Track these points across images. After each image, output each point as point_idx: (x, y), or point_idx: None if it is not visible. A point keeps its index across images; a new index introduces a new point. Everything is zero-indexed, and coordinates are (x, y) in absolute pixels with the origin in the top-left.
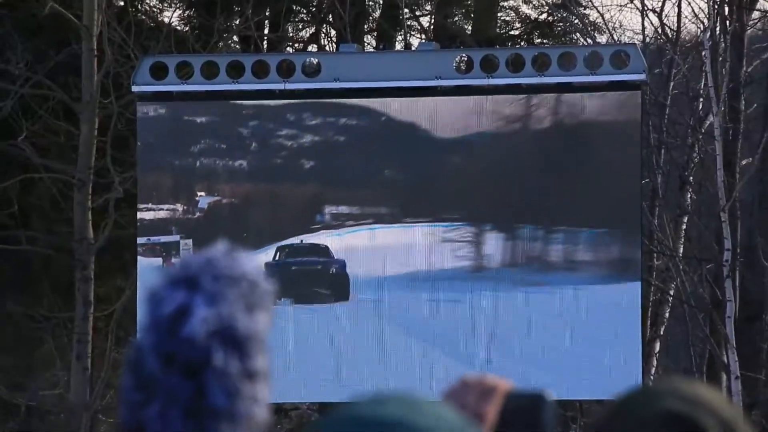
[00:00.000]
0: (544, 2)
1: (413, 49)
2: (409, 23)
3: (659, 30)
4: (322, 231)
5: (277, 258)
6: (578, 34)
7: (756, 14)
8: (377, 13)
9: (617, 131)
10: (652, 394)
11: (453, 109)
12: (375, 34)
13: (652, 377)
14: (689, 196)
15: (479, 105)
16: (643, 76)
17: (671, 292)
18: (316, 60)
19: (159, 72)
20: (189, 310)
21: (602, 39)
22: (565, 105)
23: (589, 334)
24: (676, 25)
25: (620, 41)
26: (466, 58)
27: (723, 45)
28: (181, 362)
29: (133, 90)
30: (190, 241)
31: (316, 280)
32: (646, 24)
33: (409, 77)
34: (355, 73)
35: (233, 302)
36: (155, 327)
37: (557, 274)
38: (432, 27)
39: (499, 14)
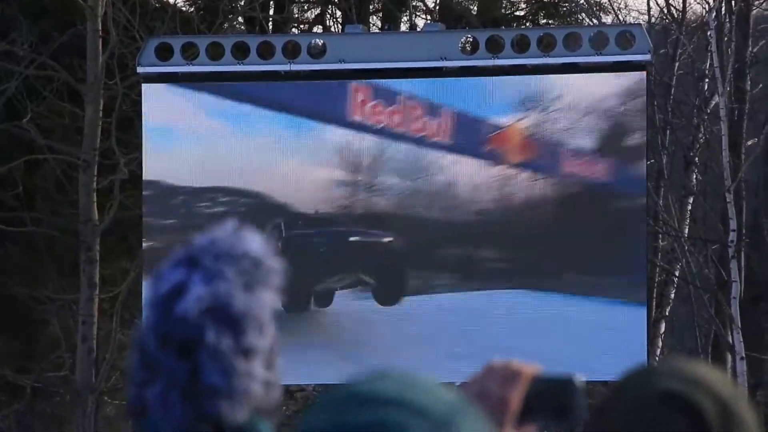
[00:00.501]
0: None
1: (418, 30)
2: (414, 4)
3: (665, 10)
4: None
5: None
6: (583, 15)
7: None
8: None
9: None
10: (650, 374)
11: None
12: (380, 14)
13: (657, 358)
14: (694, 176)
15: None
16: (648, 57)
17: (676, 273)
18: (322, 41)
19: (164, 53)
20: (185, 289)
21: (608, 19)
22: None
23: (594, 314)
24: (681, 5)
25: (626, 21)
26: (471, 39)
27: (728, 25)
28: (175, 341)
29: (138, 71)
30: None
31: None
32: (651, 4)
33: (415, 58)
34: (360, 54)
35: (232, 280)
36: (154, 306)
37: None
38: (437, 7)
39: None
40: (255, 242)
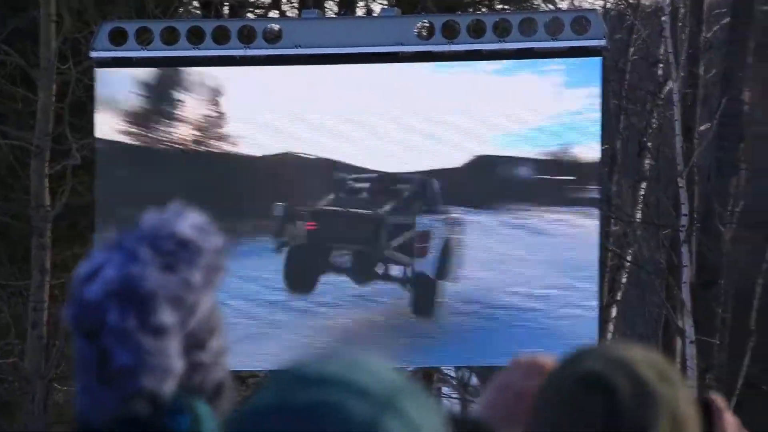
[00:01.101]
0: None
1: (375, 15)
2: None
3: None
4: None
5: None
6: (539, 0)
7: None
8: None
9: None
10: (578, 356)
11: None
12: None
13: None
14: (647, 161)
15: None
16: (603, 42)
17: (628, 258)
18: (278, 26)
19: (118, 38)
20: (98, 273)
21: (563, 5)
22: None
23: (546, 298)
24: None
25: (581, 7)
26: (427, 24)
27: (682, 11)
28: (84, 326)
29: (91, 56)
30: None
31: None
32: None
33: (371, 43)
34: (316, 39)
35: (146, 261)
36: (71, 292)
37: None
38: None
39: None
40: (186, 223)
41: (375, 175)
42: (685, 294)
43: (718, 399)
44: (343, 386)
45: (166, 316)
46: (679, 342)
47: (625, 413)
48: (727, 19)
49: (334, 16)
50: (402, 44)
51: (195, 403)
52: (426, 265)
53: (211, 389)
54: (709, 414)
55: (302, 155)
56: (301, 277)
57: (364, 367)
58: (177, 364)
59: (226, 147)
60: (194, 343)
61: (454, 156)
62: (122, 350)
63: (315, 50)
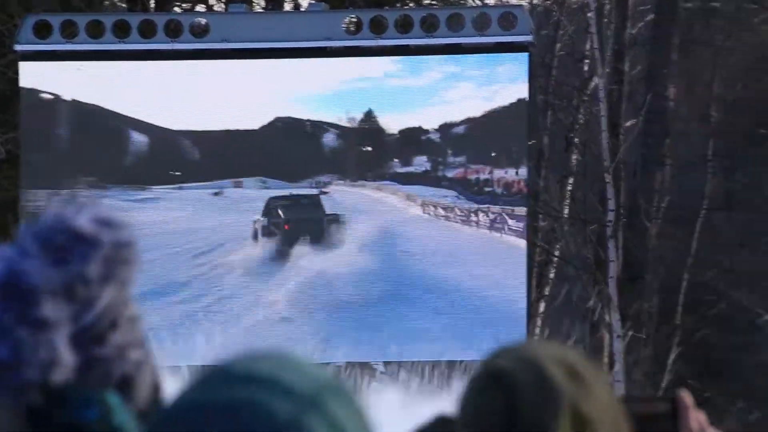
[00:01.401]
0: None
1: (302, 9)
2: None
3: None
4: None
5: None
6: None
7: None
8: None
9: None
10: (496, 353)
11: None
12: None
13: (536, 338)
14: (574, 157)
15: None
16: (530, 38)
17: (556, 253)
18: (205, 20)
19: (43, 31)
20: None
21: (491, 0)
22: None
23: (475, 294)
24: None
25: (508, 2)
26: (355, 19)
27: (608, 7)
28: None
29: (15, 49)
30: None
31: None
32: None
33: (299, 38)
34: (244, 34)
35: (35, 255)
36: None
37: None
38: None
39: None
40: (86, 217)
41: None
42: (612, 289)
43: (686, 397)
44: (269, 385)
45: (50, 310)
46: (606, 337)
47: (524, 410)
48: (651, 16)
49: (261, 10)
50: (330, 39)
51: (105, 396)
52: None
53: (118, 383)
54: (675, 411)
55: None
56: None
57: (291, 366)
58: (66, 357)
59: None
60: (92, 336)
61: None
62: (0, 344)
63: (242, 45)
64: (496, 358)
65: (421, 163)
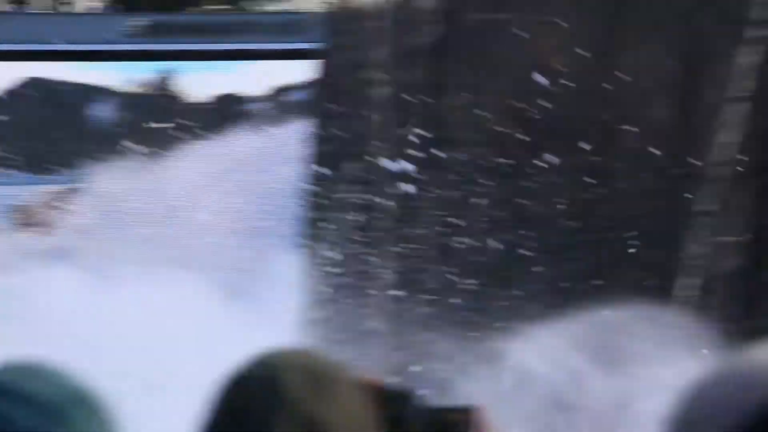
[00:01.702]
0: None
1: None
2: None
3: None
4: None
5: None
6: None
7: None
8: None
9: None
10: (252, 357)
11: None
12: None
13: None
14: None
15: None
16: (319, 45)
17: None
18: None
19: None
20: None
21: (281, 6)
22: None
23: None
24: None
25: (298, 10)
26: (139, 23)
27: (394, 16)
28: None
29: None
30: None
31: None
32: None
33: (76, 41)
34: (17, 35)
35: None
36: None
37: None
38: None
39: None
40: None
41: None
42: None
43: (478, 412)
44: (12, 395)
45: None
46: None
47: (249, 415)
48: (436, 26)
49: (38, 11)
50: (109, 42)
51: None
52: None
53: None
54: (468, 424)
55: None
56: None
57: (39, 376)
58: None
59: None
60: None
61: None
62: None
63: (15, 47)
64: (246, 362)
65: None
